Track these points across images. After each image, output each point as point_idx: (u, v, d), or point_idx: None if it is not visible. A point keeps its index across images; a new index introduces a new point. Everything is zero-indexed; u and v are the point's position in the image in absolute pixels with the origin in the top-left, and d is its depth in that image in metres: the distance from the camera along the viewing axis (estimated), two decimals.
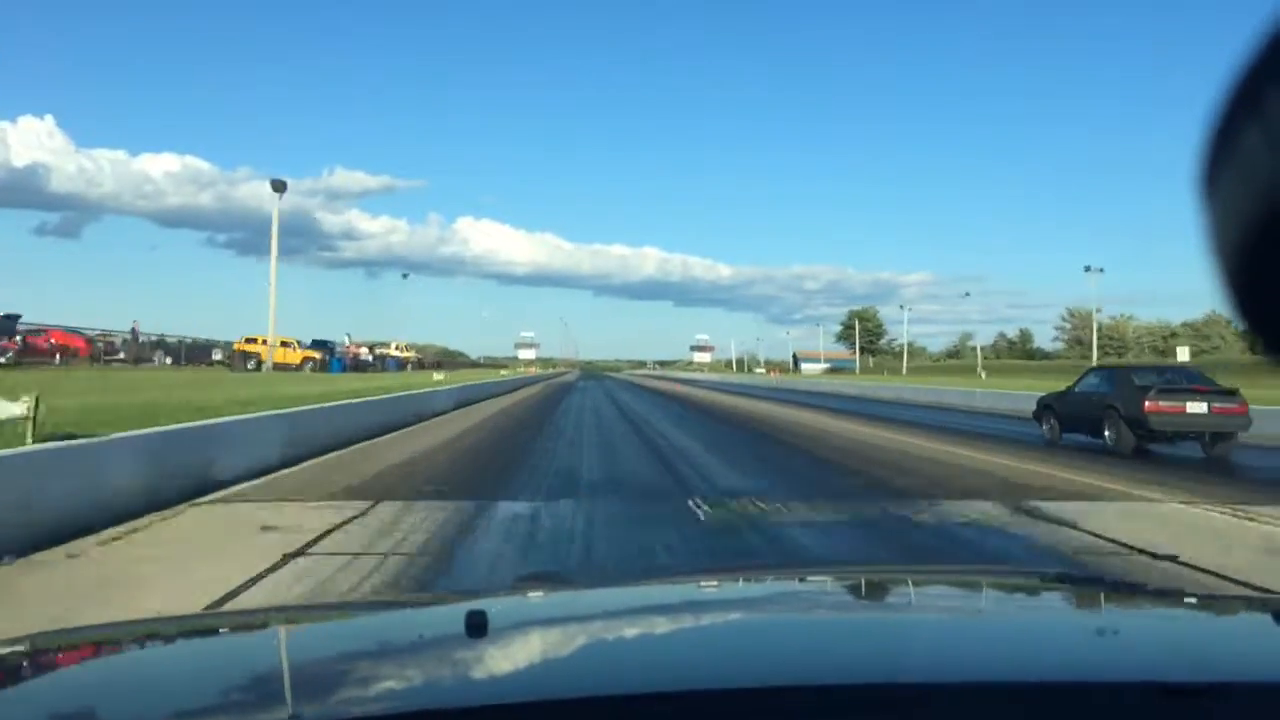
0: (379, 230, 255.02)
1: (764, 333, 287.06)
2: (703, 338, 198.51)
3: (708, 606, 1.92)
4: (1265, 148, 0.52)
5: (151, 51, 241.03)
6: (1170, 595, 2.34)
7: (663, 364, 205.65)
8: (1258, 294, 0.58)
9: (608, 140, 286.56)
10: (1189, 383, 15.35)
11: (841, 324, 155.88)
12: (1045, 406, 17.67)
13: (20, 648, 1.58)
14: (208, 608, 5.07)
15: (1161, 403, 14.50)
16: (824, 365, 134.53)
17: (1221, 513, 9.10)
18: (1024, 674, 1.23)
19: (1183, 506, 9.58)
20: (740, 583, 2.33)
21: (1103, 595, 2.07)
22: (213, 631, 1.94)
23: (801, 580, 2.34)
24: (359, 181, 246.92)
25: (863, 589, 2.19)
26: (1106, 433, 15.36)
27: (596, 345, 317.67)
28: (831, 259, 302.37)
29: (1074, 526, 8.21)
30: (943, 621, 1.75)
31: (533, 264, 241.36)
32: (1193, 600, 2.19)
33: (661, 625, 1.67)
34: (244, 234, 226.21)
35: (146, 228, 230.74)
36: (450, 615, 1.70)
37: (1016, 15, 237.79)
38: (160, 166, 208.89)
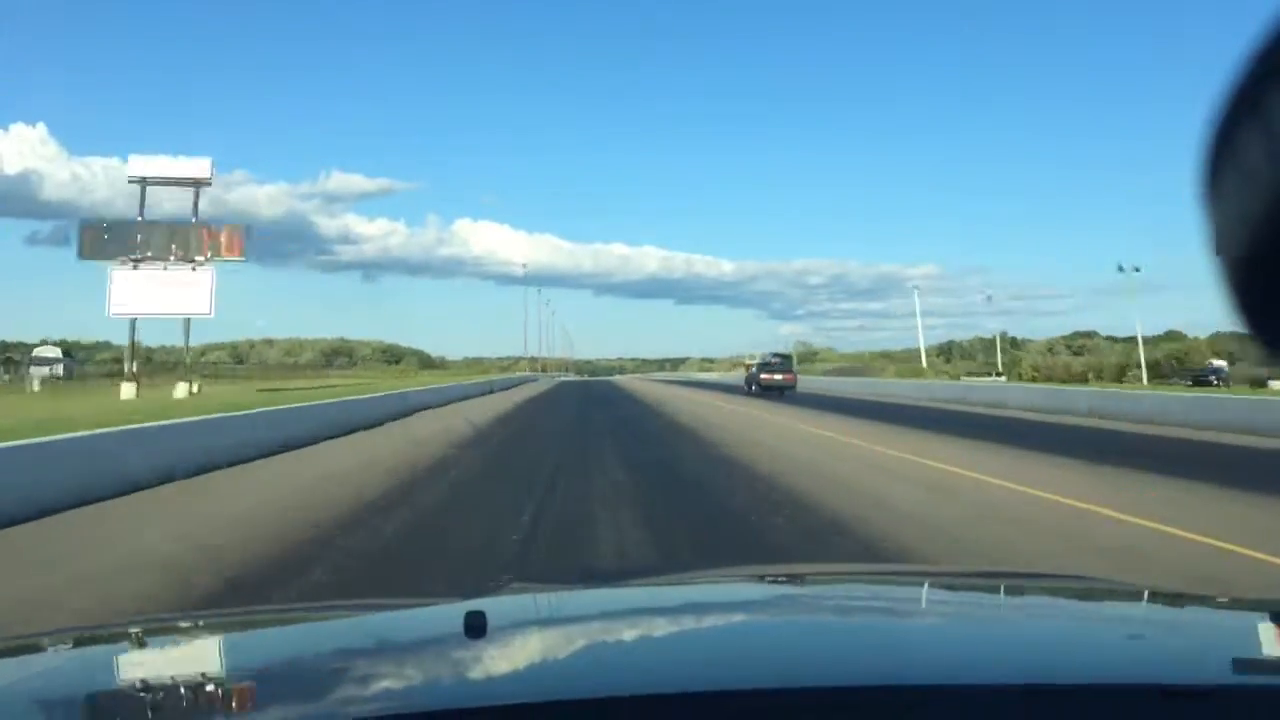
0: (376, 233, 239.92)
1: (765, 329, 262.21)
2: None
3: (707, 608, 1.89)
4: (1266, 150, 0.51)
5: (145, 56, 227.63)
6: (1171, 597, 2.29)
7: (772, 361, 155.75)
8: (1260, 296, 0.57)
9: (607, 139, 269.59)
10: (779, 366, 41.89)
11: None
12: (746, 377, 44.63)
13: (19, 646, 1.70)
14: None
15: (764, 375, 40.32)
16: None
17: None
18: (1025, 676, 1.22)
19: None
20: (740, 584, 2.36)
21: (1103, 598, 2.10)
22: (212, 631, 1.92)
23: (802, 581, 2.39)
24: (357, 184, 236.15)
25: (865, 590, 2.25)
26: (753, 387, 40.65)
27: (598, 344, 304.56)
28: (834, 253, 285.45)
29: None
30: (944, 624, 1.78)
31: (533, 264, 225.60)
32: (1194, 602, 2.14)
33: (661, 626, 1.66)
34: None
35: None
36: (449, 615, 1.68)
37: (1019, 12, 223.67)
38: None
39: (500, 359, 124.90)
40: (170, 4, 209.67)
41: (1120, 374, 59.52)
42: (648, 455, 14.58)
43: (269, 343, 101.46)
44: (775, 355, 46.16)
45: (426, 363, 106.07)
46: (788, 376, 39.87)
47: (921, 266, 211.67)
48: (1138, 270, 59.46)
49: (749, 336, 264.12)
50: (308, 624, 1.93)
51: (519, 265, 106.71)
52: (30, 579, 6.09)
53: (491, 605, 1.73)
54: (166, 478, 10.44)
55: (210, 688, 1.29)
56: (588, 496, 9.87)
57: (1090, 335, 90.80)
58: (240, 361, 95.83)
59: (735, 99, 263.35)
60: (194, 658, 1.61)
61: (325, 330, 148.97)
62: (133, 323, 35.49)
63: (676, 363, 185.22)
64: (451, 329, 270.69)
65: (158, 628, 2.03)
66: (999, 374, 67.83)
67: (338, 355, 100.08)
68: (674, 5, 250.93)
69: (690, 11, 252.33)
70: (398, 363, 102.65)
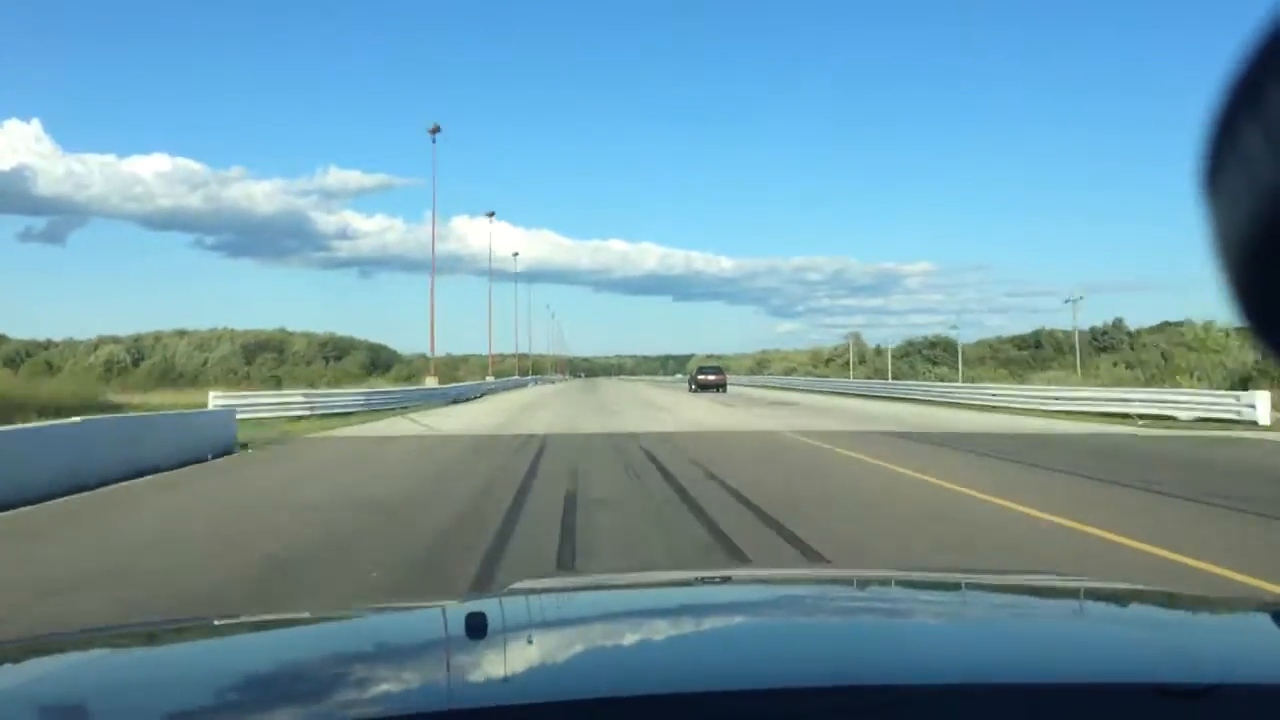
0: (374, 229, 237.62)
1: (764, 326, 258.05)
2: None
3: (707, 609, 1.88)
4: (1266, 147, 0.51)
5: (141, 50, 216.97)
6: (1167, 596, 2.28)
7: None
8: (1261, 294, 0.56)
9: (607, 136, 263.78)
10: (712, 369, 59.93)
11: None
12: (689, 378, 66.78)
13: (20, 648, 1.70)
14: None
15: (700, 376, 57.21)
16: None
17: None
18: (1021, 675, 1.22)
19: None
20: (739, 585, 2.33)
21: (1099, 597, 2.09)
22: (212, 634, 1.92)
23: (802, 582, 2.45)
24: (354, 180, 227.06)
25: (864, 591, 2.22)
26: (690, 386, 58.77)
27: (596, 342, 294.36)
28: (834, 250, 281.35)
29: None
30: (941, 624, 1.77)
31: (531, 260, 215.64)
32: (1189, 601, 2.14)
33: (662, 627, 1.65)
34: (233, 235, 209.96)
35: (134, 231, 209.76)
36: (450, 617, 1.71)
37: (1019, 9, 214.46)
38: (150, 167, 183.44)
39: (494, 356, 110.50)
40: None
41: None
42: None
43: (180, 334, 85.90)
44: None
45: (389, 359, 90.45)
46: (719, 377, 55.42)
47: (918, 263, 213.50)
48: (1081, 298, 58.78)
49: (748, 334, 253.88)
50: (309, 626, 1.91)
51: (517, 261, 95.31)
52: None
53: (492, 607, 1.77)
54: None
55: (211, 691, 1.28)
56: None
57: (1178, 325, 74.19)
58: (139, 359, 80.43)
59: (736, 95, 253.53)
60: (196, 661, 1.59)
61: (268, 321, 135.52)
62: None
63: (681, 360, 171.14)
64: (444, 325, 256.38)
65: (159, 631, 2.05)
66: None
67: (264, 349, 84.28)
68: (674, 5, 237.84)
69: (689, 10, 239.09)
70: (340, 359, 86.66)
